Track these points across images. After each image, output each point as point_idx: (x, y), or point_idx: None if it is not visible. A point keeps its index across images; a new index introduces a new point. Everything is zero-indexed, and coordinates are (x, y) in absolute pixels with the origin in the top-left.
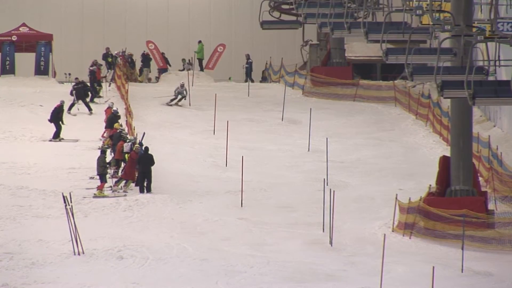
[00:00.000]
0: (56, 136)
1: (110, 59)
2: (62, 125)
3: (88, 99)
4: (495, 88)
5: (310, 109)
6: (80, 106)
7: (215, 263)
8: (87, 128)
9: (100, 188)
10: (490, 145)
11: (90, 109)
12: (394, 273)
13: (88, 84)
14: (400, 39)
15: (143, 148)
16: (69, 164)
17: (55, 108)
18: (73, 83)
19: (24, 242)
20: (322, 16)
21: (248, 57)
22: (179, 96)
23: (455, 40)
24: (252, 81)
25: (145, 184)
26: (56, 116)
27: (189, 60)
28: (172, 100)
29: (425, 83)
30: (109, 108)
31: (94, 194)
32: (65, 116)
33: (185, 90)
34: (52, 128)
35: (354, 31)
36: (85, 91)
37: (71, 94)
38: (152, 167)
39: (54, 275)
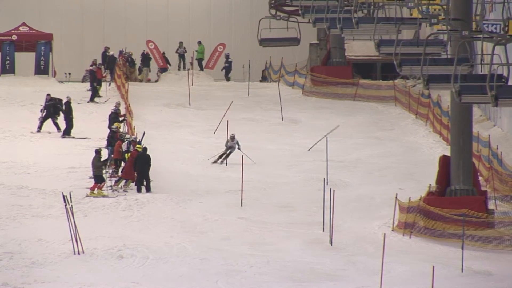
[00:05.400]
0: (67, 132)
1: (107, 59)
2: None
3: (57, 118)
4: None
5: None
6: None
7: (215, 263)
8: (89, 128)
9: (92, 188)
10: (490, 144)
11: (58, 128)
12: (394, 273)
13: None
14: (414, 51)
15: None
16: (69, 163)
17: (64, 104)
18: (46, 100)
19: (24, 242)
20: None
21: (227, 56)
22: (229, 151)
23: (465, 44)
24: (229, 79)
25: (144, 184)
26: (68, 112)
27: (185, 48)
28: (220, 156)
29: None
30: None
31: (87, 194)
32: (74, 111)
33: (237, 142)
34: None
35: (362, 26)
36: (55, 109)
37: (42, 111)
38: (150, 167)
39: (54, 274)
